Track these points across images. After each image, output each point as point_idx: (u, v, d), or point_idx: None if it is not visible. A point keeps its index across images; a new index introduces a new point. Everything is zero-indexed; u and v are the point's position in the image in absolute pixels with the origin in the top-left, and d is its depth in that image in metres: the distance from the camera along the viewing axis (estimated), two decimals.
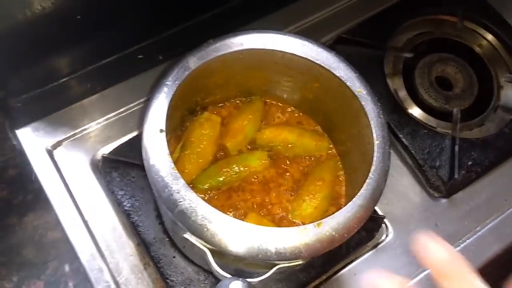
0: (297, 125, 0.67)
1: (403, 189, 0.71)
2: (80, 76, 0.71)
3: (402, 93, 0.79)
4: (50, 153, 0.67)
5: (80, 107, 0.70)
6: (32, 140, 0.67)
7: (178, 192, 0.47)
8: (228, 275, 0.49)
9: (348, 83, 0.56)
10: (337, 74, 0.57)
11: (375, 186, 0.51)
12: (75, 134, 0.69)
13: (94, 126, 0.69)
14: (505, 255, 0.69)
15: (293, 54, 0.58)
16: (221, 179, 0.60)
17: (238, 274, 0.51)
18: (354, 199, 0.49)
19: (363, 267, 0.66)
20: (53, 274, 0.82)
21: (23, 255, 0.82)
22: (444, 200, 0.71)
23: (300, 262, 0.49)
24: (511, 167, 0.74)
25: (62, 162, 0.67)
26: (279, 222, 0.61)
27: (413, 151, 0.72)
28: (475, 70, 0.81)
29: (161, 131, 0.50)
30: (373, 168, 0.52)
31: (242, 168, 0.61)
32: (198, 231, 0.46)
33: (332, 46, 0.78)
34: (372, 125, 0.54)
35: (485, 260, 0.68)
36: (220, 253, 0.47)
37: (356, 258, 0.66)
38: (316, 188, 0.61)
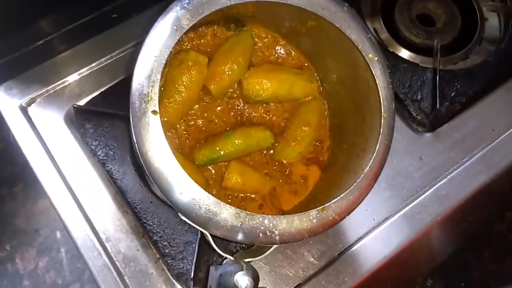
0: (288, 68, 0.62)
1: None
2: (55, 38, 0.71)
3: (382, 32, 0.77)
4: (24, 110, 0.67)
5: (53, 63, 0.70)
6: (6, 98, 0.67)
7: (179, 184, 0.44)
8: (230, 257, 0.49)
9: (359, 46, 0.53)
10: (348, 35, 0.53)
11: (378, 165, 0.50)
12: (48, 90, 0.68)
13: (67, 82, 0.69)
14: (495, 184, 0.67)
15: (299, 7, 0.53)
16: (223, 156, 0.57)
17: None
18: (358, 180, 0.49)
19: None
20: (45, 241, 0.82)
21: (15, 224, 0.82)
22: (428, 134, 0.69)
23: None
24: (498, 96, 0.72)
25: (37, 118, 0.66)
26: (261, 165, 0.60)
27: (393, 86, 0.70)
28: (456, 3, 0.79)
29: (155, 112, 0.45)
30: (377, 146, 0.50)
31: (250, 147, 0.58)
32: (203, 224, 0.45)
33: None
34: (381, 97, 0.52)
35: (474, 190, 0.66)
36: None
37: None
38: (302, 133, 0.59)
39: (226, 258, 0.49)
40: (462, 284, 0.86)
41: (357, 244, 0.62)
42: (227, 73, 0.59)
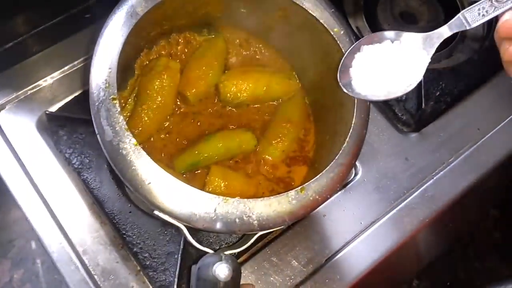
0: (263, 68, 0.61)
1: (370, 127, 0.67)
2: (25, 41, 0.67)
3: (365, 31, 0.75)
4: None
5: (23, 67, 0.67)
6: None
7: (144, 172, 0.42)
8: (209, 250, 0.46)
9: (322, 21, 0.52)
10: (311, 12, 0.52)
11: (356, 141, 0.48)
12: (18, 96, 0.65)
13: (38, 86, 0.66)
14: (482, 183, 0.66)
15: None
16: (204, 160, 0.55)
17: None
18: (336, 158, 0.46)
19: (332, 208, 0.63)
20: (20, 252, 0.78)
21: None
22: (413, 134, 0.68)
23: (283, 227, 0.46)
24: (482, 95, 0.71)
25: (7, 125, 0.63)
26: (243, 167, 0.58)
27: None
28: (439, 0, 0.78)
29: (113, 99, 0.44)
30: (353, 120, 0.48)
31: (232, 150, 0.57)
32: (176, 214, 0.42)
33: None
34: None
35: (462, 190, 0.65)
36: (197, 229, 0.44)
37: None
38: (283, 130, 0.58)
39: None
40: (448, 283, 0.86)
41: (344, 249, 0.61)
42: (202, 78, 0.58)
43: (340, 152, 0.46)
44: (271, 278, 0.59)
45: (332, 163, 0.46)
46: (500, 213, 0.87)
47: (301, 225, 0.61)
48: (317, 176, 0.45)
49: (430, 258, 0.77)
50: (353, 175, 0.65)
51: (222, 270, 0.40)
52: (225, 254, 0.42)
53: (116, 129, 0.42)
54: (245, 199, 0.42)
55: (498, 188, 0.79)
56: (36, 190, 0.60)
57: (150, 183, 0.41)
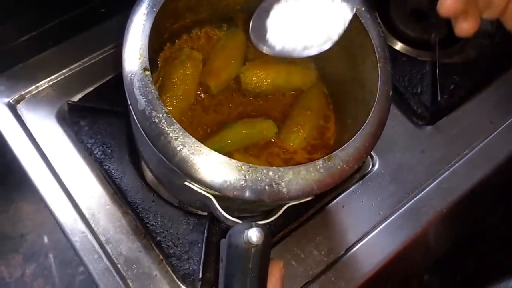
0: (282, 60, 0.60)
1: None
2: (45, 32, 0.68)
3: None
4: (12, 107, 0.63)
5: (42, 59, 0.67)
6: None
7: (176, 139, 0.42)
8: (238, 221, 0.45)
9: None
10: None
11: (382, 111, 0.48)
12: (38, 87, 0.65)
13: (58, 78, 0.66)
14: (494, 176, 0.68)
15: None
16: (226, 146, 0.55)
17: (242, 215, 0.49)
18: (362, 127, 0.46)
19: (351, 199, 0.64)
20: (32, 246, 0.78)
21: None
22: (429, 127, 0.69)
23: (310, 198, 0.47)
24: (495, 88, 0.73)
25: (27, 116, 0.63)
26: (265, 156, 0.58)
27: (393, 80, 0.70)
28: None
29: (146, 70, 0.44)
30: (378, 92, 0.48)
31: (253, 136, 0.57)
32: (203, 180, 0.42)
33: None
34: (375, 46, 0.49)
35: (476, 182, 0.66)
36: (226, 198, 0.44)
37: (343, 191, 0.64)
38: (304, 118, 0.58)
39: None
40: (458, 277, 0.87)
41: (364, 239, 0.61)
42: (224, 68, 0.58)
43: (366, 122, 0.46)
44: (292, 268, 0.59)
45: (358, 133, 0.46)
46: (507, 207, 0.88)
47: (321, 215, 0.62)
48: (344, 146, 0.45)
49: (440, 253, 0.78)
50: (370, 166, 0.66)
51: (254, 233, 0.40)
52: (256, 223, 0.42)
53: (149, 98, 0.43)
54: (274, 167, 0.43)
55: (505, 182, 0.80)
56: (58, 180, 0.60)
57: (181, 150, 0.42)
